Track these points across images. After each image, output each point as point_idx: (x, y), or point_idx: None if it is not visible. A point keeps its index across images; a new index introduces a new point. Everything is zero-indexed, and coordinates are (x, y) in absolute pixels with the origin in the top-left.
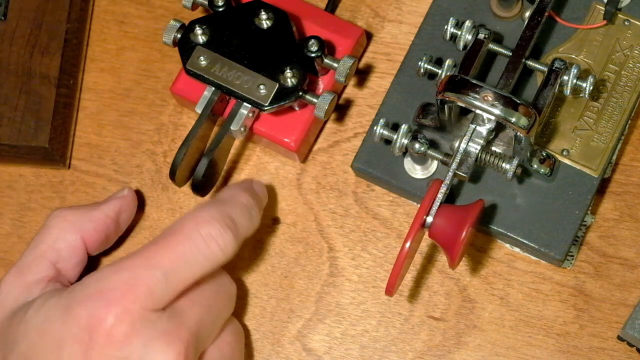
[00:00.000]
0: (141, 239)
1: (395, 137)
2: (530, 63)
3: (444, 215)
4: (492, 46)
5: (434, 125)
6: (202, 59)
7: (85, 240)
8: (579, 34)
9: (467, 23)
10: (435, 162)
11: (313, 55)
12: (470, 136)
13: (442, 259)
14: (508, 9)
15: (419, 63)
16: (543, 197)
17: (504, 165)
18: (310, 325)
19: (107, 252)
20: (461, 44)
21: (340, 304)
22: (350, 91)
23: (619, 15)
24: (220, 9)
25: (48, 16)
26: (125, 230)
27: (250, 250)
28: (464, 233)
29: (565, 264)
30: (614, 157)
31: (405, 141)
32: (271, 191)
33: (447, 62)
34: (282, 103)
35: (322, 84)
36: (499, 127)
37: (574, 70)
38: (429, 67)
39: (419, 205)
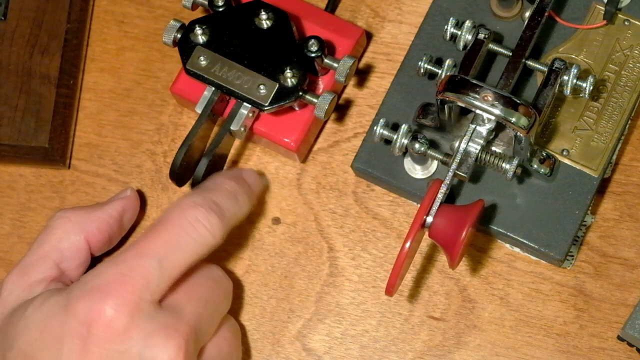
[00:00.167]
0: None
1: (395, 137)
2: (530, 63)
3: (444, 215)
4: (492, 46)
5: (434, 125)
6: (202, 59)
7: (89, 240)
8: (579, 34)
9: (467, 23)
10: (435, 162)
11: (313, 55)
12: (470, 136)
13: (442, 259)
14: (508, 9)
15: (419, 63)
16: (543, 197)
17: (504, 165)
18: (310, 325)
19: (110, 253)
20: (461, 44)
21: (340, 304)
22: (350, 91)
23: (619, 15)
24: (220, 9)
25: (48, 16)
26: (127, 230)
27: (250, 250)
28: (464, 233)
29: (565, 264)
30: (614, 157)
31: (405, 141)
32: (271, 191)
33: (447, 62)
34: (282, 103)
35: (322, 84)
36: (499, 127)
37: (574, 70)
38: (429, 67)
39: (419, 205)
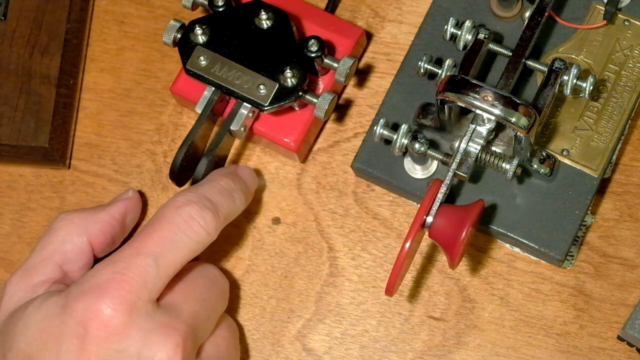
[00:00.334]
0: None
1: (395, 137)
2: (530, 63)
3: (444, 215)
4: (492, 46)
5: (434, 125)
6: (202, 59)
7: (92, 242)
8: (579, 34)
9: (467, 23)
10: (435, 162)
11: (313, 55)
12: (470, 136)
13: (442, 259)
14: (508, 9)
15: (419, 63)
16: (543, 197)
17: (504, 165)
18: (310, 325)
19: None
20: (461, 44)
21: (340, 304)
22: (350, 91)
23: (619, 15)
24: (220, 9)
25: (48, 16)
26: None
27: (250, 250)
28: (464, 233)
29: (565, 264)
30: (614, 157)
31: (405, 141)
32: (271, 191)
33: (447, 62)
34: (282, 103)
35: (322, 84)
36: (499, 127)
37: (574, 70)
38: (429, 67)
39: (419, 205)
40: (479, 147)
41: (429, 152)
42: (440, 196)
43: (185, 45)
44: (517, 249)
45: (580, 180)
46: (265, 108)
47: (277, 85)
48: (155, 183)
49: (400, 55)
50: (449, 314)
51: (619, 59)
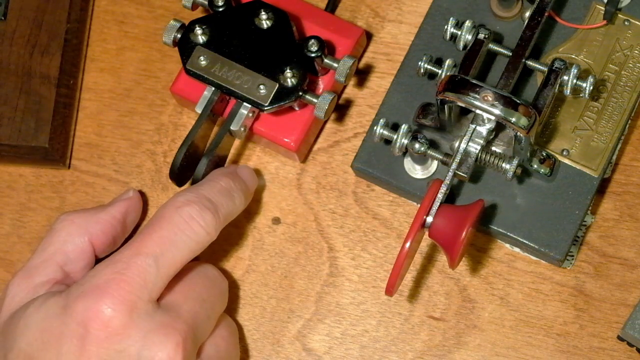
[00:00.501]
0: None
1: (395, 137)
2: (530, 63)
3: (444, 215)
4: (492, 46)
5: (434, 125)
6: (202, 59)
7: (93, 242)
8: (579, 34)
9: (467, 23)
10: (435, 162)
11: (313, 55)
12: (470, 136)
13: (442, 259)
14: (508, 9)
15: (419, 63)
16: (543, 197)
17: (504, 165)
18: (310, 325)
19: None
20: (461, 44)
21: (340, 304)
22: (350, 91)
23: (619, 15)
24: (220, 9)
25: (48, 16)
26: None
27: (250, 250)
28: (464, 233)
29: (565, 264)
30: (614, 157)
31: (405, 141)
32: (271, 191)
33: (447, 62)
34: (282, 103)
35: (322, 84)
36: (499, 127)
37: (574, 70)
38: (429, 67)
39: (419, 205)
40: (479, 147)
41: (429, 152)
42: (440, 196)
43: (185, 45)
44: (517, 249)
45: (580, 180)
46: (265, 108)
47: (277, 85)
48: (155, 183)
49: (400, 55)
50: (449, 314)
51: (619, 59)
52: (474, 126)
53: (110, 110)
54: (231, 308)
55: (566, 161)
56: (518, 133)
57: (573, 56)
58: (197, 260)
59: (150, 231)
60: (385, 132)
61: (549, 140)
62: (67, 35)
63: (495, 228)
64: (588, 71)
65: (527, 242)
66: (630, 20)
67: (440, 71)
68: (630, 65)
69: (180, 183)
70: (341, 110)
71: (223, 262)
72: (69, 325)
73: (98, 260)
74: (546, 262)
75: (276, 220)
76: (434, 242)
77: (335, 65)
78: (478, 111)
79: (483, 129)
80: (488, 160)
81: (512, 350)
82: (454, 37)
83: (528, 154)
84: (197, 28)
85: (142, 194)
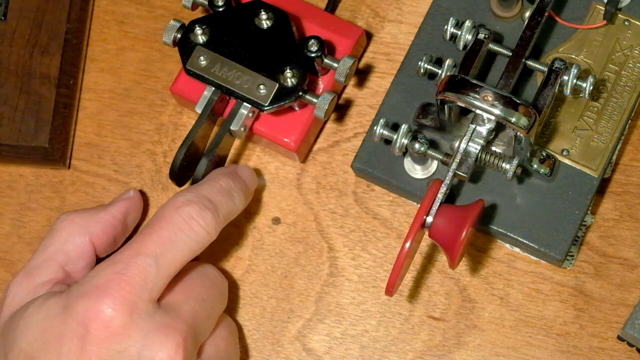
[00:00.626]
0: None
1: (395, 137)
2: (530, 63)
3: (444, 215)
4: (492, 46)
5: (434, 125)
6: (202, 59)
7: (94, 242)
8: (579, 34)
9: (467, 23)
10: (435, 162)
11: (313, 55)
12: (470, 136)
13: (442, 259)
14: (508, 9)
15: (419, 63)
16: (543, 197)
17: (504, 165)
18: (310, 325)
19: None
20: (461, 44)
21: (340, 304)
22: (350, 91)
23: (619, 15)
24: (220, 9)
25: (48, 16)
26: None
27: (250, 250)
28: (464, 233)
29: (565, 264)
30: (614, 157)
31: (405, 141)
32: (271, 191)
33: (447, 62)
34: (282, 103)
35: (322, 84)
36: (499, 127)
37: (574, 70)
38: (429, 67)
39: (419, 205)
40: (479, 147)
41: (429, 152)
42: (440, 196)
43: (185, 45)
44: (517, 249)
45: (580, 180)
46: (265, 108)
47: (277, 85)
48: (155, 183)
49: (400, 55)
50: (449, 314)
51: (619, 59)
52: (474, 126)
53: (110, 110)
54: (231, 308)
55: (566, 161)
56: (518, 133)
57: (573, 56)
58: (197, 260)
59: (150, 231)
60: (385, 132)
61: (549, 140)
62: (67, 35)
63: (495, 228)
64: (588, 71)
65: (527, 242)
66: (630, 20)
67: (440, 71)
68: (630, 65)
69: (180, 183)
70: (341, 110)
71: (223, 262)
72: (70, 325)
73: (99, 260)
74: (546, 262)
75: (276, 220)
76: (434, 242)
77: (335, 65)
78: (478, 111)
79: (483, 129)
80: (488, 160)
81: (512, 350)
82: (454, 37)
83: (528, 154)
84: (197, 28)
85: (142, 194)
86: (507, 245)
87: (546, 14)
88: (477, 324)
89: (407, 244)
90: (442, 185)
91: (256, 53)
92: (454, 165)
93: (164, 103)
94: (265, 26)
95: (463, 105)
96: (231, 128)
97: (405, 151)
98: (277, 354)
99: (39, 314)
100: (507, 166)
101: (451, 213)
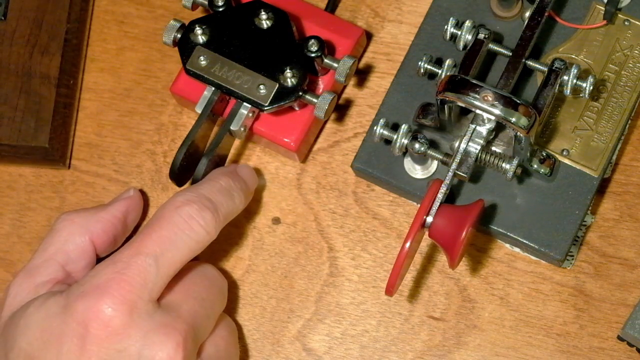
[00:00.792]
0: None
1: (395, 137)
2: (530, 63)
3: (444, 215)
4: (492, 46)
5: (434, 125)
6: (202, 59)
7: (94, 241)
8: (579, 34)
9: (467, 23)
10: (435, 162)
11: (313, 55)
12: (470, 136)
13: (442, 259)
14: (508, 9)
15: (419, 63)
16: (543, 197)
17: (504, 165)
18: (310, 325)
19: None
20: (461, 44)
21: (340, 304)
22: (350, 91)
23: (619, 15)
24: (220, 9)
25: (48, 16)
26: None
27: (250, 250)
28: (464, 233)
29: (565, 264)
30: (614, 157)
31: (405, 141)
32: (271, 191)
33: (447, 62)
34: (282, 103)
35: (322, 84)
36: (499, 127)
37: (574, 70)
38: (429, 67)
39: (419, 205)
40: (479, 147)
41: (429, 152)
42: (440, 196)
43: (185, 45)
44: (517, 249)
45: (580, 180)
46: (265, 108)
47: (277, 85)
48: (155, 183)
49: (400, 55)
50: (449, 314)
51: (619, 59)
52: (474, 126)
53: (110, 110)
54: (231, 308)
55: (566, 161)
56: (518, 133)
57: (573, 56)
58: (197, 260)
59: (150, 231)
60: (385, 132)
61: (549, 140)
62: (67, 35)
63: (495, 228)
64: (588, 71)
65: (527, 242)
66: (630, 20)
67: (440, 71)
68: (630, 65)
69: (180, 183)
70: (341, 110)
71: (223, 262)
72: (70, 325)
73: (99, 260)
74: (546, 262)
75: (276, 220)
76: (434, 242)
77: (335, 65)
78: (478, 111)
79: (483, 129)
80: (488, 160)
81: (512, 350)
82: (454, 37)
83: (528, 154)
84: (197, 28)
85: (142, 194)
86: (507, 245)
87: (546, 14)
88: (477, 324)
89: (407, 244)
90: (442, 185)
91: (256, 53)
92: (454, 165)
93: (164, 103)
94: (265, 26)
95: (463, 105)
96: (231, 128)
97: (405, 151)
98: (277, 354)
99: (39, 313)
100: (507, 166)
101: (451, 213)
